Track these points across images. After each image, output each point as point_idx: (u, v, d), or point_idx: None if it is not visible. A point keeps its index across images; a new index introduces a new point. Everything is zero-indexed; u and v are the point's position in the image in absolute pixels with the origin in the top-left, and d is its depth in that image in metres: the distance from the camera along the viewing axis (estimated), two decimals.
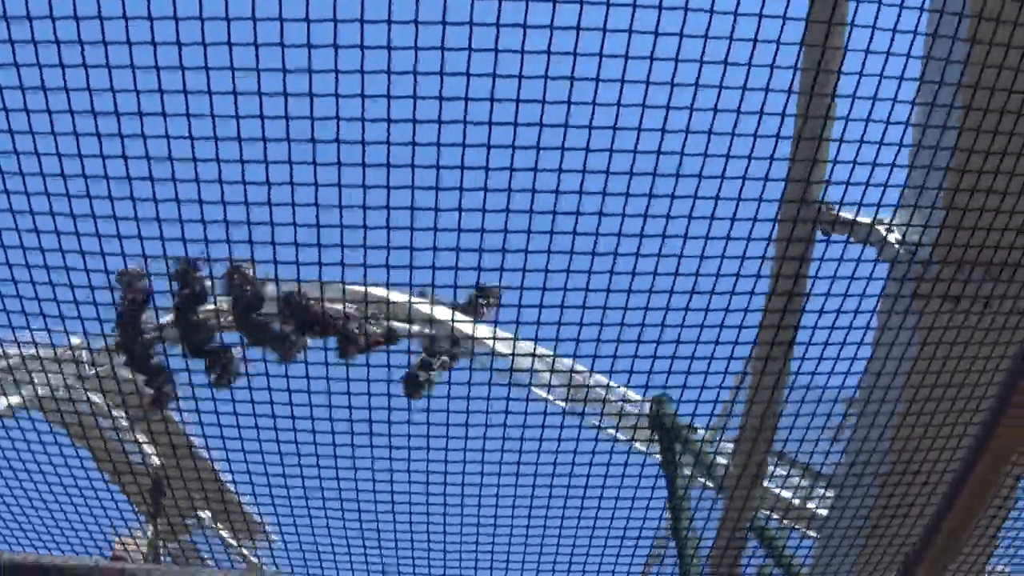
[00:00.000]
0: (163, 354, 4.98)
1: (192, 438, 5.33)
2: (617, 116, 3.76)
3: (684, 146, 3.88)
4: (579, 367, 5.82)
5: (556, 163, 3.86)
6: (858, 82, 3.82)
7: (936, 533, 4.64)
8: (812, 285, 4.53)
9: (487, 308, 5.34)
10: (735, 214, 4.09)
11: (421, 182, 3.89)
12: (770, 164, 4.02)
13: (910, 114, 4.03)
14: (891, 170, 4.14)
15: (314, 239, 4.05)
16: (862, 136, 3.99)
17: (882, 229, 4.64)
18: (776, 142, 3.97)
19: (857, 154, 4.05)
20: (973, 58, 3.83)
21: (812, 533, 6.02)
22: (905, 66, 3.82)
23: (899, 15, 3.68)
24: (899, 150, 4.06)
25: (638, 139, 3.83)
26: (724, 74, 3.71)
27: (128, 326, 4.85)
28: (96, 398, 5.14)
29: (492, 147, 3.79)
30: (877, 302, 4.66)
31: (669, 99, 3.74)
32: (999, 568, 6.06)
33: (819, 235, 4.59)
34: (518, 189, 3.93)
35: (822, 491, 5.70)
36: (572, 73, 3.62)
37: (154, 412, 5.14)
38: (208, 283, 4.75)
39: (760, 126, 3.88)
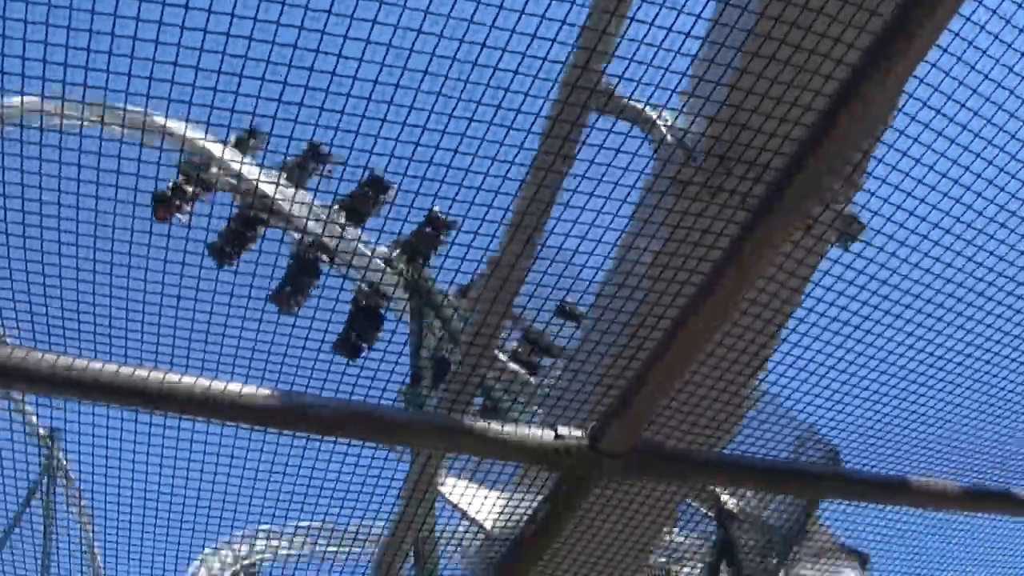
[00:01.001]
0: None
1: None
2: None
3: None
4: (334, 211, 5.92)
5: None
6: None
7: (643, 384, 4.94)
8: (577, 154, 4.71)
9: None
10: (518, 66, 4.23)
11: None
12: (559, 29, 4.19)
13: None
14: (674, 57, 4.33)
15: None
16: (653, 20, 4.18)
17: (654, 114, 4.86)
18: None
19: (645, 36, 4.23)
20: None
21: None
22: None
23: None
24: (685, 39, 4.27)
25: None
26: None
27: None
28: None
29: None
30: (637, 181, 4.90)
31: None
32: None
33: (593, 112, 4.76)
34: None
35: (553, 360, 5.99)
36: None
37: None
38: None
39: None
